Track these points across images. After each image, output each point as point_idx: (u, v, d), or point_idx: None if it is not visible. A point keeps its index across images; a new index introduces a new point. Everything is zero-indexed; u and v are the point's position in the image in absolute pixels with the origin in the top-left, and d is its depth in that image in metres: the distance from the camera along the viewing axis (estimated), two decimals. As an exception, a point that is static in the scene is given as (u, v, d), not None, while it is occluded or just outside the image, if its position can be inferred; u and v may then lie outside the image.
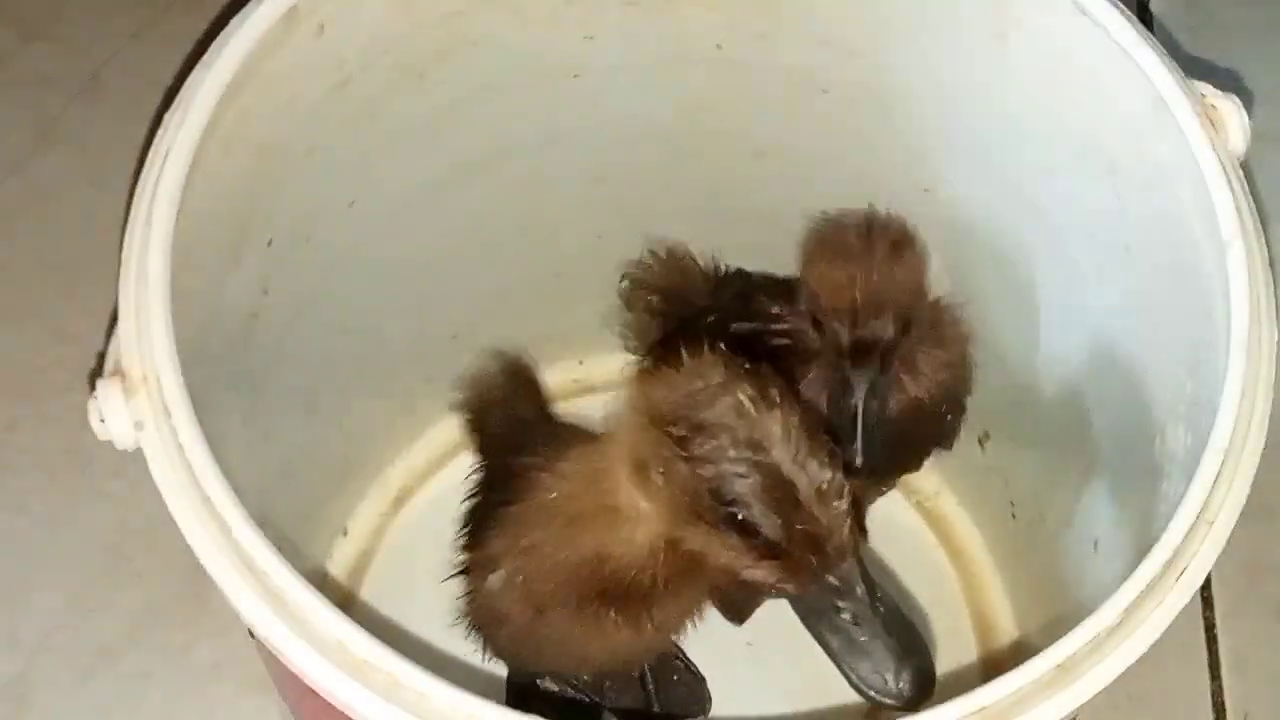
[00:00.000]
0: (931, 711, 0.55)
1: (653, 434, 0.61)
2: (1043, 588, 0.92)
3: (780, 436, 0.59)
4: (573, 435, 0.80)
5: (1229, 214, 0.66)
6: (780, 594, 0.63)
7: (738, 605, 0.97)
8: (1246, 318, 0.63)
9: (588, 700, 0.94)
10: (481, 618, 0.78)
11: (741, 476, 0.59)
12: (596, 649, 0.73)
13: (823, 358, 0.76)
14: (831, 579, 0.60)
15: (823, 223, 0.78)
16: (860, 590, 0.61)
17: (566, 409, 1.04)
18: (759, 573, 0.61)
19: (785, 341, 0.79)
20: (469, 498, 0.87)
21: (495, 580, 0.72)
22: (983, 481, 0.99)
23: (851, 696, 0.94)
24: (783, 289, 0.83)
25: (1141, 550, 0.60)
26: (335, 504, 0.99)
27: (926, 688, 0.62)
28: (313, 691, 0.57)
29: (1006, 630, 0.97)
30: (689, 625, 0.74)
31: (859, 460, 0.72)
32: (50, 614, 0.97)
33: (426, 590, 0.88)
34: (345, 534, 1.00)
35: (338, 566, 0.98)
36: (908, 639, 0.62)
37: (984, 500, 1.00)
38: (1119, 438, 0.80)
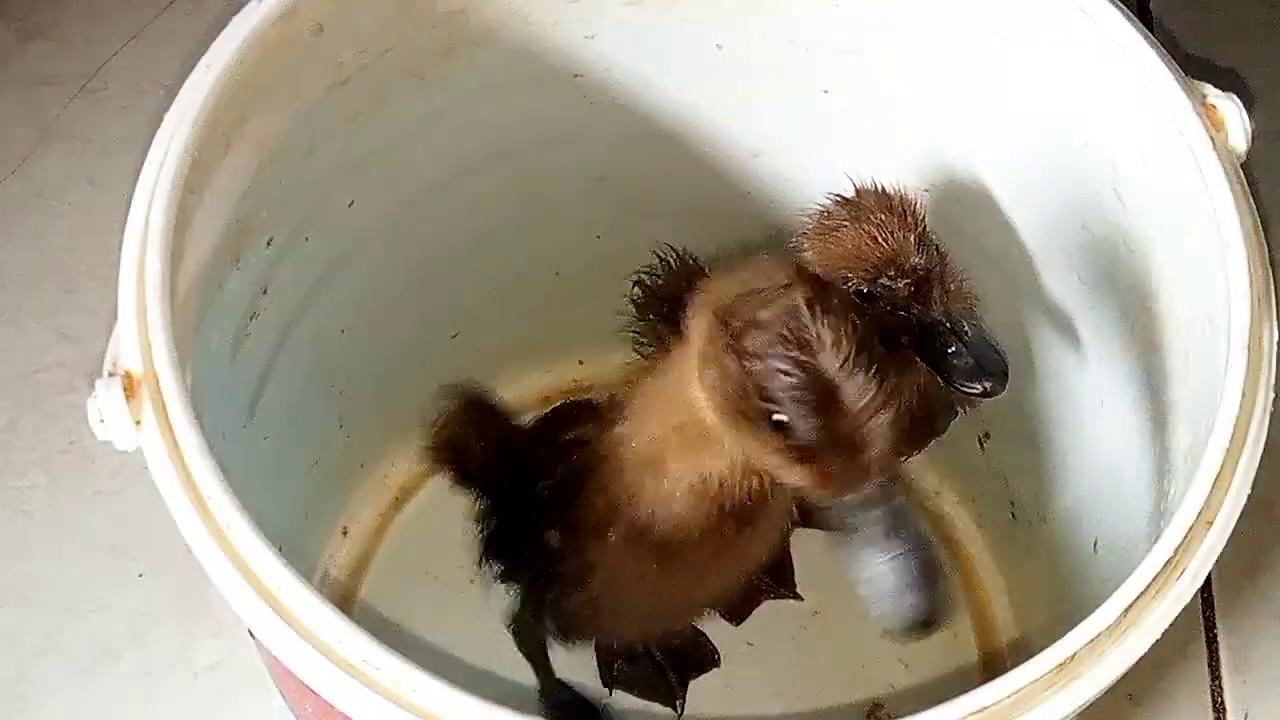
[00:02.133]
0: (932, 711, 0.55)
1: (713, 326, 0.61)
2: (1043, 588, 0.92)
3: (831, 341, 0.59)
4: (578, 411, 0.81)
5: (1229, 214, 0.66)
6: (817, 503, 0.62)
7: (738, 605, 0.97)
8: (1247, 317, 0.63)
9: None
10: (593, 602, 0.78)
11: (785, 374, 0.59)
12: (720, 581, 0.74)
13: (892, 325, 0.75)
14: (860, 493, 0.60)
15: (817, 214, 0.78)
16: (888, 509, 0.60)
17: (566, 409, 1.04)
18: (793, 475, 0.61)
19: None
20: (487, 521, 0.87)
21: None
22: (983, 481, 0.99)
23: (852, 697, 0.95)
24: None
25: (1141, 550, 0.60)
26: (335, 504, 0.99)
27: (934, 621, 0.61)
28: (313, 692, 0.57)
29: (1006, 630, 0.97)
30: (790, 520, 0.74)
31: (1003, 369, 0.72)
32: (50, 614, 0.97)
33: (426, 590, 0.88)
34: (345, 534, 1.00)
35: (338, 566, 0.98)
36: (925, 570, 0.60)
37: (984, 500, 1.00)
38: (1119, 438, 0.80)
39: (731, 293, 0.62)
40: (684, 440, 0.67)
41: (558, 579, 0.79)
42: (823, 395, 0.58)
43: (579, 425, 0.78)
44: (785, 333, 0.59)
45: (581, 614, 0.80)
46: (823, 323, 0.59)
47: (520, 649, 0.92)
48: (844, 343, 0.59)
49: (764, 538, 0.72)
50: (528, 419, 0.90)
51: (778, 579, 0.98)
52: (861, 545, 0.60)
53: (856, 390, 0.58)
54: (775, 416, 0.59)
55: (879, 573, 0.60)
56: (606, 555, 0.74)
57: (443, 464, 0.90)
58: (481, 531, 0.86)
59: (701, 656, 0.95)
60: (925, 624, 0.60)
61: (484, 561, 0.86)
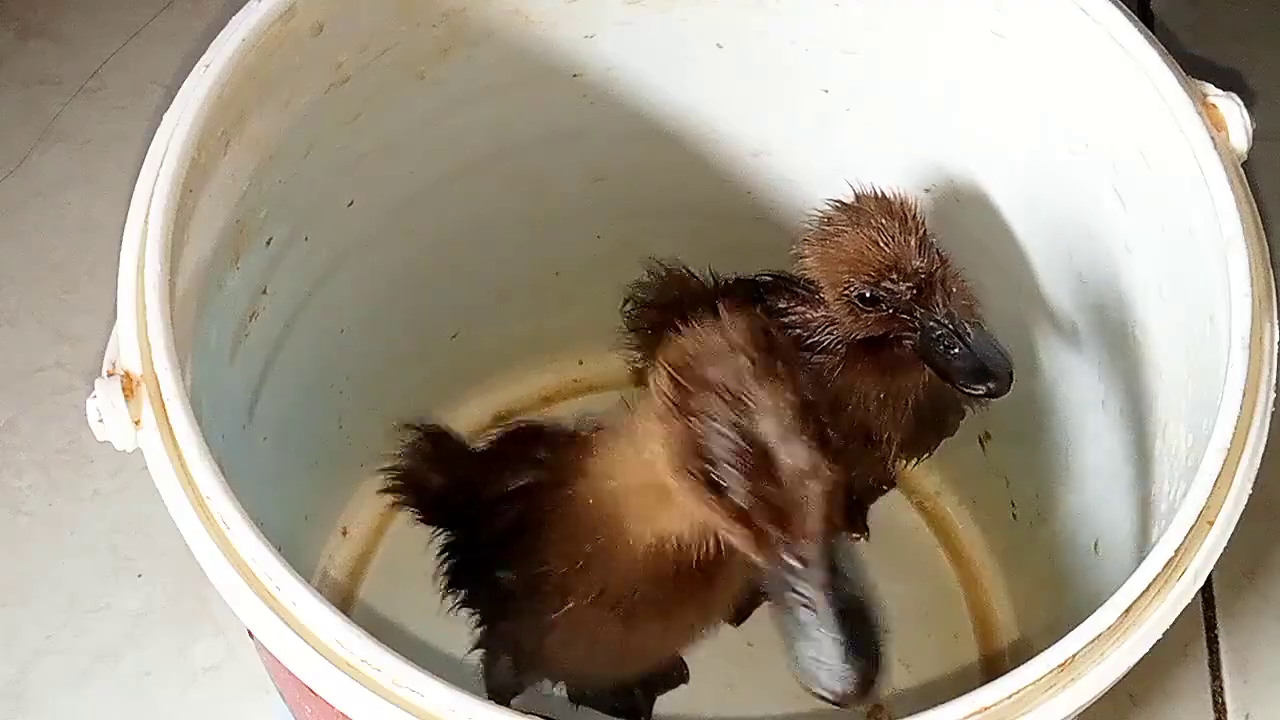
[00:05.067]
0: (932, 711, 0.55)
1: (665, 383, 0.62)
2: (1043, 588, 0.92)
3: (770, 407, 0.59)
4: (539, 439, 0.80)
5: (1230, 213, 0.66)
6: (759, 565, 0.61)
7: (738, 606, 0.97)
8: (1248, 317, 0.63)
9: None
10: (552, 649, 0.77)
11: (723, 436, 0.59)
12: (681, 634, 0.74)
13: (895, 328, 0.76)
14: (791, 558, 0.59)
15: (818, 220, 0.78)
16: (820, 576, 0.59)
17: (566, 409, 1.04)
18: (731, 536, 0.61)
19: (796, 333, 0.80)
20: (447, 557, 0.86)
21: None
22: (983, 481, 0.99)
23: (852, 697, 0.95)
24: (785, 284, 0.83)
25: (1142, 550, 0.60)
26: (335, 504, 0.99)
27: (864, 691, 0.59)
28: (312, 692, 0.57)
29: (1006, 630, 0.97)
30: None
31: (1007, 370, 0.73)
32: (50, 614, 0.97)
33: (425, 590, 0.88)
34: (345, 534, 1.00)
35: (338, 566, 0.98)
36: (862, 638, 0.59)
37: (984, 500, 1.00)
38: (1120, 438, 0.80)
39: (685, 345, 0.62)
40: (643, 501, 0.66)
41: (514, 619, 0.78)
42: (756, 460, 0.59)
43: (527, 462, 0.77)
44: (727, 394, 0.59)
45: (538, 656, 0.79)
46: (767, 388, 0.59)
47: (485, 683, 0.89)
48: (783, 408, 0.59)
49: (724, 593, 0.71)
50: (482, 445, 0.88)
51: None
52: (788, 609, 0.60)
53: (790, 458, 0.58)
54: (713, 477, 0.59)
55: (807, 638, 0.59)
56: (563, 614, 0.73)
57: (402, 500, 0.89)
58: (443, 565, 0.86)
59: (669, 673, 0.94)
60: (857, 692, 0.59)
61: (448, 591, 0.86)
